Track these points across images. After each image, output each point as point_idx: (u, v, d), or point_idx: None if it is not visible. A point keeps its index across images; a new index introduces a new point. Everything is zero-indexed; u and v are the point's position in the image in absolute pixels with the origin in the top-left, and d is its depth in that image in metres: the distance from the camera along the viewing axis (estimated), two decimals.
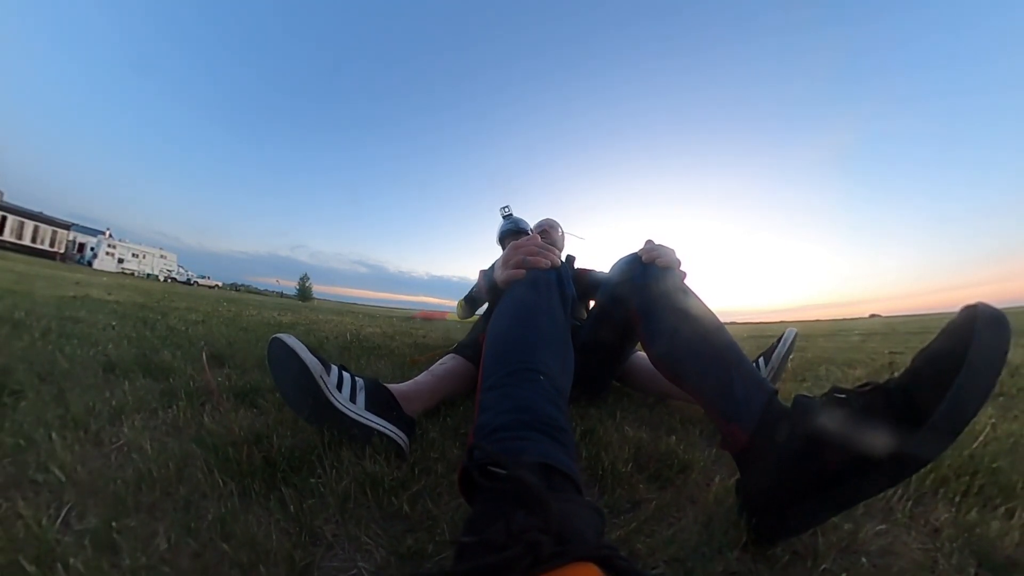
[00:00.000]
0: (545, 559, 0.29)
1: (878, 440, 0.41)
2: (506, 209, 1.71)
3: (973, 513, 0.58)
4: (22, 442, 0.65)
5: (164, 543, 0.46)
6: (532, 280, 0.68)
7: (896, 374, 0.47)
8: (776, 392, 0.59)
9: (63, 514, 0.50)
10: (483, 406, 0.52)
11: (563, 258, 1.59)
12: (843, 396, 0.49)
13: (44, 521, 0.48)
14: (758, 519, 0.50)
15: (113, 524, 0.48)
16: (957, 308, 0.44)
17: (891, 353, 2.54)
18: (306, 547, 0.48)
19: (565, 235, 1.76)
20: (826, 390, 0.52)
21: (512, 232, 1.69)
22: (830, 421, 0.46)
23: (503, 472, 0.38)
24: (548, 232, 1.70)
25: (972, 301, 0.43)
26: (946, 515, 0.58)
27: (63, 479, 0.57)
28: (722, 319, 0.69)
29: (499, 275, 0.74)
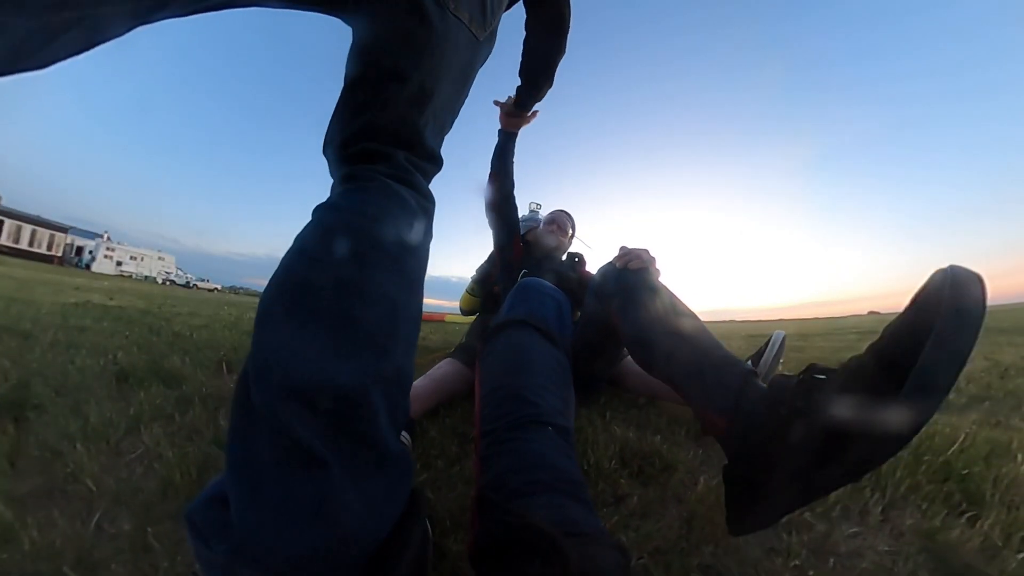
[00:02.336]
0: None
1: (891, 417, 0.36)
2: (534, 204, 1.74)
3: (937, 520, 0.60)
4: (48, 455, 0.68)
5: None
6: (527, 318, 0.67)
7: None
8: (752, 373, 0.57)
9: (95, 519, 0.54)
10: (487, 456, 0.49)
11: (565, 256, 1.60)
12: (822, 377, 0.46)
13: (79, 526, 0.52)
14: (737, 505, 0.49)
15: (148, 529, 0.52)
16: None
17: None
18: None
19: (574, 237, 1.74)
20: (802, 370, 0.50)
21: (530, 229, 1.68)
22: (843, 410, 0.40)
23: (513, 520, 0.35)
24: (557, 224, 1.60)
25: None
26: (911, 520, 0.60)
27: (93, 489, 0.60)
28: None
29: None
